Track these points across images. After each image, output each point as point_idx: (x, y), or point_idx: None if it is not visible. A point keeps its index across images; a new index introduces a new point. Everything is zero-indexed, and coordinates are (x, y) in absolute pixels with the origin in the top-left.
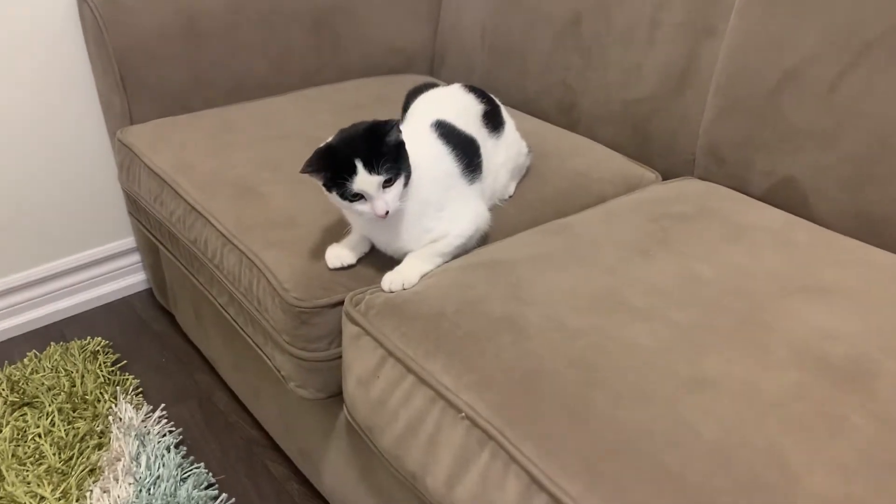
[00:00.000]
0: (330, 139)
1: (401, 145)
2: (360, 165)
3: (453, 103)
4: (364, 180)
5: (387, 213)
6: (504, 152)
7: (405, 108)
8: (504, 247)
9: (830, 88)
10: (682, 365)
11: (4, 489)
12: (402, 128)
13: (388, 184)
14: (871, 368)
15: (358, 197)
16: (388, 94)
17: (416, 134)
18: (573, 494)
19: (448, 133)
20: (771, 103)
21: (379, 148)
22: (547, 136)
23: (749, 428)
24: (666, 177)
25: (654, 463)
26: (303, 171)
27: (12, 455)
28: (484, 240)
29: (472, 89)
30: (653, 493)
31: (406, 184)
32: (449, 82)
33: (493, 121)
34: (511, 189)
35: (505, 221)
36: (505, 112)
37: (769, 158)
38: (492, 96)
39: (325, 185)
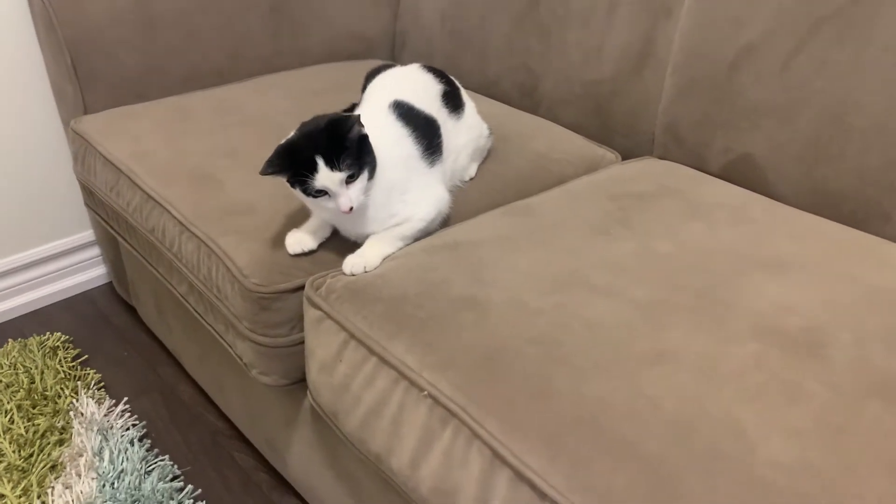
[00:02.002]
0: (291, 135)
1: (363, 139)
2: (321, 163)
3: (412, 83)
4: (326, 177)
5: (351, 208)
6: (465, 134)
7: (364, 89)
8: (466, 229)
9: (784, 66)
10: (642, 340)
11: None
12: (361, 113)
13: (351, 179)
14: (825, 340)
15: (322, 193)
16: (348, 80)
17: (375, 115)
18: (535, 468)
19: (407, 114)
20: (727, 82)
21: (341, 143)
22: (508, 119)
23: (707, 399)
24: (626, 157)
25: (614, 435)
26: (263, 173)
27: None
28: (445, 222)
29: (431, 69)
30: (613, 465)
31: (371, 177)
32: None
33: (452, 101)
34: (472, 171)
35: (466, 203)
36: (465, 94)
37: (727, 136)
38: (451, 77)
39: (288, 181)
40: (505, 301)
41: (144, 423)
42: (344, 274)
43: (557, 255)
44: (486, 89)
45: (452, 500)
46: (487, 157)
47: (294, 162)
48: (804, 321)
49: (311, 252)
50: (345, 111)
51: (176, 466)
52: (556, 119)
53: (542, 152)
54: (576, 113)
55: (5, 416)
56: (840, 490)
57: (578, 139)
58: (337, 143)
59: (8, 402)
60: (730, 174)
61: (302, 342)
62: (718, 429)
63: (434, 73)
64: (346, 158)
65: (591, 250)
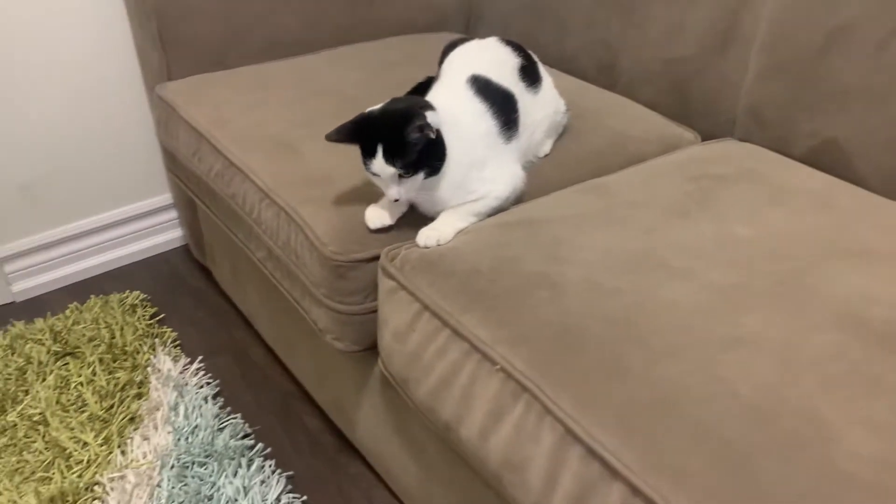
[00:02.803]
0: (376, 107)
1: (431, 140)
2: (379, 151)
3: (490, 57)
4: (380, 166)
5: (397, 199)
6: (541, 109)
7: (441, 63)
8: (540, 206)
9: (880, 48)
10: (719, 324)
11: (50, 434)
12: (439, 87)
13: (404, 175)
14: None
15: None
16: (423, 53)
17: (453, 90)
18: (608, 446)
19: (485, 88)
20: (817, 63)
21: (402, 140)
22: (585, 95)
23: (786, 386)
24: (705, 138)
25: (689, 418)
26: (327, 138)
27: (56, 402)
28: (519, 198)
29: (509, 42)
30: (688, 447)
31: (431, 175)
32: None
33: (530, 76)
34: (547, 147)
35: (541, 180)
36: (542, 68)
37: (813, 119)
38: (529, 51)
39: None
40: (579, 280)
41: (218, 381)
42: (418, 246)
43: (634, 235)
44: (562, 64)
45: (521, 472)
46: (563, 134)
47: (361, 138)
48: (888, 313)
49: (390, 227)
50: (421, 84)
51: (247, 425)
52: (634, 97)
53: (619, 130)
54: (654, 91)
55: (88, 369)
56: None
57: (657, 118)
58: (399, 138)
59: (91, 355)
60: (814, 159)
61: (375, 310)
62: (797, 417)
63: (512, 47)
64: (405, 157)
65: (668, 231)
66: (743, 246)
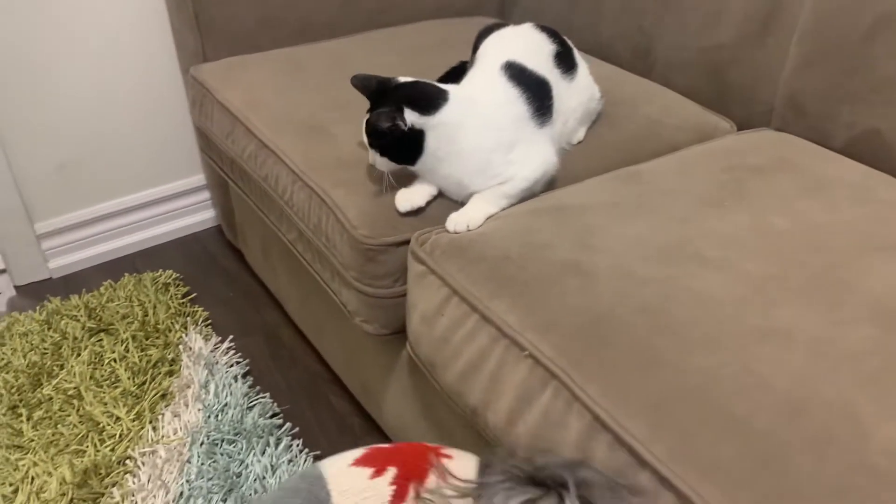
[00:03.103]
0: (404, 79)
1: (401, 133)
2: (365, 118)
3: (524, 43)
4: (363, 131)
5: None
6: (576, 96)
7: (475, 49)
8: (572, 192)
9: None
10: (753, 316)
11: (84, 408)
12: (473, 73)
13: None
14: None
15: None
16: (456, 38)
17: (487, 76)
18: (637, 435)
19: (519, 74)
20: (861, 51)
21: (375, 125)
22: (619, 82)
23: (820, 380)
24: (741, 127)
25: (720, 409)
26: (352, 79)
27: (90, 377)
28: (551, 185)
29: (544, 28)
30: (719, 438)
31: (401, 163)
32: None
33: (565, 62)
34: (581, 134)
35: (573, 167)
36: (578, 55)
37: (854, 110)
38: (564, 37)
39: None
40: (611, 268)
41: (247, 361)
42: (447, 231)
43: (667, 225)
44: (597, 50)
45: None
46: (596, 121)
47: (370, 95)
48: None
49: (420, 210)
50: (454, 69)
51: (276, 404)
52: (669, 84)
53: (654, 118)
54: (690, 79)
55: (121, 345)
56: None
57: (692, 106)
58: (372, 120)
59: (124, 332)
60: (853, 150)
61: (404, 294)
62: (831, 411)
63: (547, 33)
64: (373, 135)
65: (702, 221)
66: (779, 237)
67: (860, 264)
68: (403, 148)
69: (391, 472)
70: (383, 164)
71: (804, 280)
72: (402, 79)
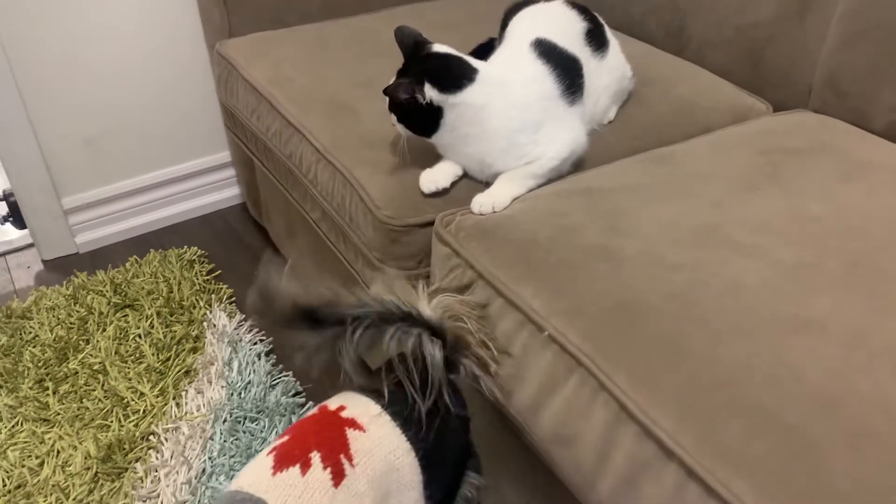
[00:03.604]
0: (438, 48)
1: (418, 105)
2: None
3: (555, 20)
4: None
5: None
6: (607, 75)
7: (503, 26)
8: (601, 174)
9: None
10: (787, 305)
11: (109, 383)
12: (502, 50)
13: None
14: None
15: None
16: (483, 13)
17: (516, 54)
18: (665, 426)
19: (549, 52)
20: None
21: (394, 92)
22: (652, 61)
23: (855, 373)
24: (778, 108)
25: (751, 401)
26: (396, 30)
27: (115, 352)
28: (579, 165)
29: (575, 5)
30: (750, 431)
31: (417, 133)
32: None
33: (596, 40)
34: (611, 114)
35: (603, 147)
36: (609, 32)
37: None
38: (595, 14)
39: None
40: (640, 253)
41: (271, 339)
42: (472, 213)
43: (699, 209)
44: (629, 28)
45: (572, 448)
46: (627, 100)
47: (405, 54)
48: None
49: (445, 191)
50: (482, 45)
51: (298, 383)
52: (703, 63)
53: (687, 98)
54: (725, 58)
55: (146, 321)
56: None
57: (727, 86)
58: (391, 90)
59: (149, 308)
60: (895, 133)
61: (428, 276)
62: (867, 405)
63: (578, 10)
64: (392, 101)
65: (736, 206)
66: (815, 223)
67: None
68: (420, 120)
69: (316, 456)
70: (401, 129)
71: (841, 268)
72: (437, 48)
